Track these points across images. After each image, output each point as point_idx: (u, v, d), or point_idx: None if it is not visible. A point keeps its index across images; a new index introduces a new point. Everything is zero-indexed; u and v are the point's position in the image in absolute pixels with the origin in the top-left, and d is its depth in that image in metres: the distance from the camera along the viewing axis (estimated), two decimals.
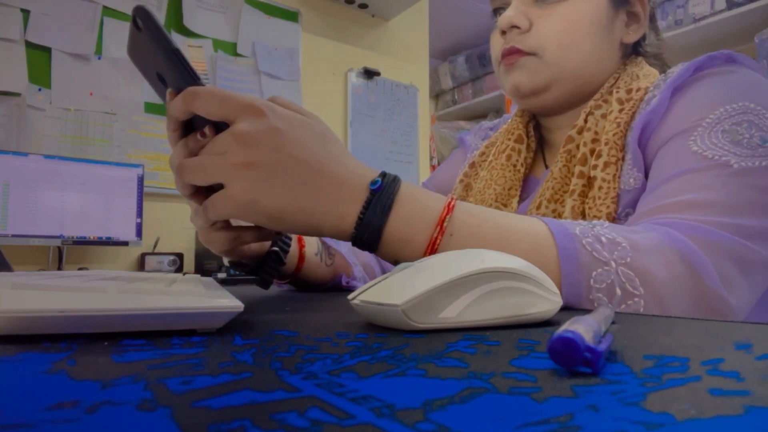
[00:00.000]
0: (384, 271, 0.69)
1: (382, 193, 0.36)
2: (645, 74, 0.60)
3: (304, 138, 0.35)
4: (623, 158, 0.53)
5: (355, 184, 0.36)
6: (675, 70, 0.56)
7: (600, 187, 0.52)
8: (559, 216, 0.55)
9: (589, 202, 0.53)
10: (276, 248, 0.49)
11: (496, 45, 0.63)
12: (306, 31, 2.32)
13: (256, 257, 0.48)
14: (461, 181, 0.72)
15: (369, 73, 2.48)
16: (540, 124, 0.69)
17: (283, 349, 0.19)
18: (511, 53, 0.60)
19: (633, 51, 0.64)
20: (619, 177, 0.53)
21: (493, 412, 0.11)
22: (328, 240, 0.61)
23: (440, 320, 0.25)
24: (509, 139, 0.67)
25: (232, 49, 2.10)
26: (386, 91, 2.56)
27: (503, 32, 0.60)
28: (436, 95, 3.76)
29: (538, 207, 0.56)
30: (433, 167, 3.41)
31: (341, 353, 0.18)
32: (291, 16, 2.28)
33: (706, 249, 0.38)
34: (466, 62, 3.48)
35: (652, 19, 0.66)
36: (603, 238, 0.36)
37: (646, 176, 0.51)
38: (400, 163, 2.57)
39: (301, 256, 0.55)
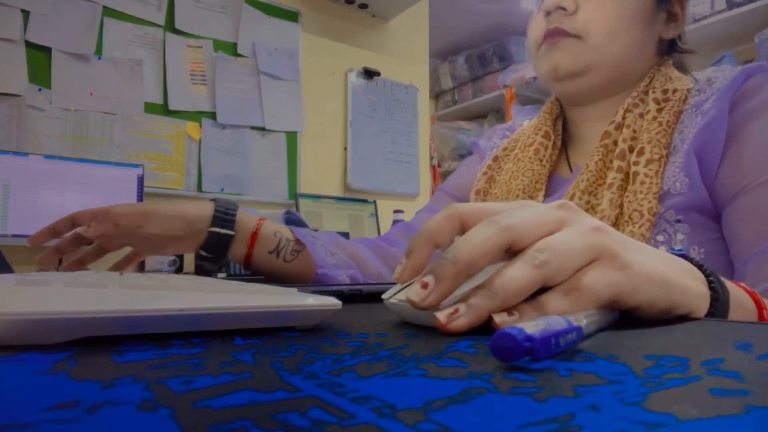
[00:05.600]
0: (381, 259, 0.70)
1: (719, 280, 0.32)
2: (677, 77, 0.61)
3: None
4: (667, 157, 0.54)
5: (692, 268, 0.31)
6: (718, 75, 0.57)
7: (642, 182, 0.53)
8: (593, 208, 0.55)
9: (629, 196, 0.53)
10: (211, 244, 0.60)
11: (538, 27, 0.64)
12: (306, 31, 2.32)
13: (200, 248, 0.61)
14: (485, 173, 0.73)
15: (369, 73, 2.48)
16: (567, 118, 0.70)
17: (283, 349, 0.19)
18: (555, 34, 0.60)
19: (668, 49, 0.65)
20: (661, 174, 0.53)
21: (494, 411, 0.11)
22: (301, 236, 0.65)
23: None
24: (536, 134, 0.68)
25: (232, 49, 2.10)
26: (386, 91, 2.56)
27: (548, 13, 0.61)
28: (436, 95, 3.76)
29: (572, 198, 0.57)
30: (433, 167, 3.41)
31: (341, 353, 0.18)
32: (291, 16, 2.28)
33: None
34: (466, 62, 3.48)
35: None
36: None
37: (705, 181, 0.51)
38: (400, 163, 2.57)
39: (248, 255, 0.63)
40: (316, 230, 0.72)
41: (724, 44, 2.27)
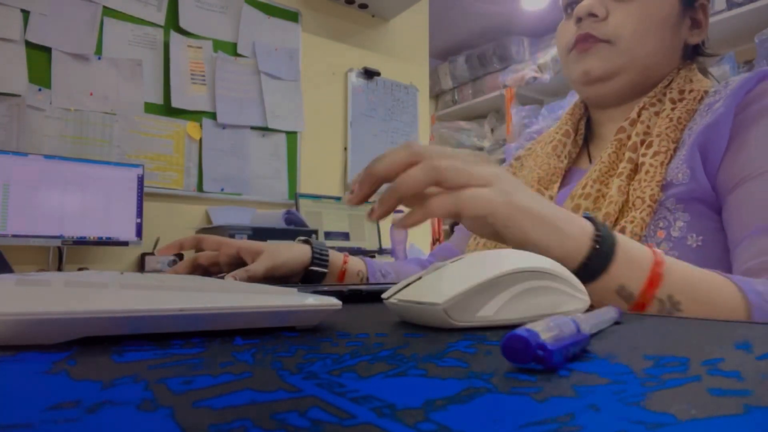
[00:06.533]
0: None
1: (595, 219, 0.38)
2: (698, 80, 0.63)
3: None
4: (674, 150, 0.56)
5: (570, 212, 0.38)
6: (736, 79, 0.59)
7: (647, 172, 0.55)
8: (603, 196, 0.58)
9: (634, 185, 0.56)
10: (313, 267, 0.67)
11: (567, 33, 0.66)
12: (306, 31, 2.32)
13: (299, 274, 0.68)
14: (506, 170, 0.75)
15: (369, 73, 2.48)
16: (591, 119, 0.73)
17: (283, 349, 0.19)
18: (587, 39, 0.63)
19: (692, 53, 0.68)
20: (666, 165, 0.55)
21: (494, 411, 0.11)
22: (371, 273, 0.73)
23: (479, 318, 0.25)
24: (557, 133, 0.71)
25: (232, 49, 2.10)
26: (386, 91, 2.56)
27: (579, 20, 0.63)
28: (436, 95, 3.75)
29: (584, 187, 0.60)
30: None
31: (341, 353, 0.18)
32: (291, 16, 2.28)
33: None
34: (466, 62, 3.47)
35: None
36: None
37: (708, 176, 0.53)
38: None
39: (341, 274, 0.72)
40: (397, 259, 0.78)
41: (724, 44, 2.27)
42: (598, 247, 0.35)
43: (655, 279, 0.36)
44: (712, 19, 2.17)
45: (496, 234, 0.37)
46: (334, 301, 0.25)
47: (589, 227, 0.37)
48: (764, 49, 2.00)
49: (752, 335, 0.21)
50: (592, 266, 0.36)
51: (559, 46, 0.69)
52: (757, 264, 0.46)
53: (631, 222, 0.53)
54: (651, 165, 0.55)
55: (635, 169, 0.58)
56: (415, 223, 0.34)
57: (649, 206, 0.53)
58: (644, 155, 0.57)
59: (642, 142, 0.59)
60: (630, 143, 0.59)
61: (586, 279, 0.36)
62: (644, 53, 0.62)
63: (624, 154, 0.59)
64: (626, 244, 0.37)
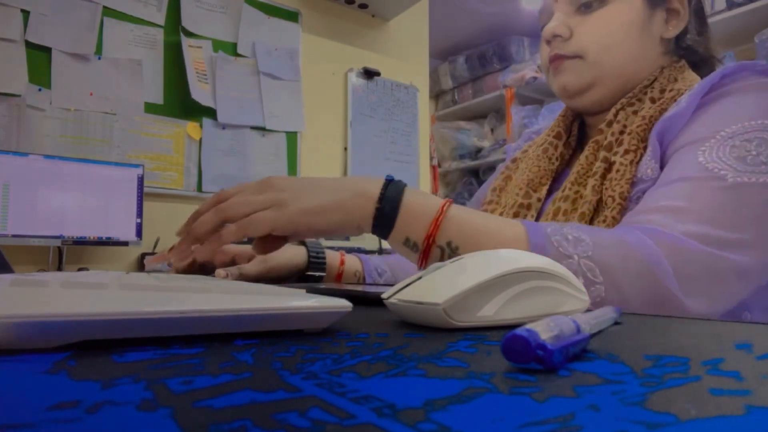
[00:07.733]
0: None
1: (394, 181, 0.44)
2: (683, 78, 0.63)
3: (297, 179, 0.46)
4: (644, 149, 0.57)
5: (369, 179, 0.45)
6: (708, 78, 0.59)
7: (617, 170, 0.57)
8: (581, 197, 0.60)
9: (606, 184, 0.57)
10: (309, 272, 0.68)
11: (544, 53, 0.69)
12: (306, 31, 2.32)
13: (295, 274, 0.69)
14: (502, 173, 0.78)
15: (369, 73, 2.48)
16: (584, 122, 0.74)
17: (283, 349, 0.19)
18: (557, 59, 0.65)
19: (676, 45, 0.67)
20: (636, 163, 0.57)
21: (494, 411, 0.11)
22: (368, 272, 0.74)
23: (478, 318, 0.25)
24: (549, 135, 0.73)
25: (232, 49, 2.10)
26: (386, 91, 2.55)
27: (548, 42, 0.66)
28: (436, 95, 3.75)
29: (563, 190, 0.61)
30: (433, 167, 3.41)
31: (342, 353, 0.18)
32: (291, 16, 2.28)
33: (670, 253, 0.41)
34: (466, 62, 3.47)
35: (700, 13, 0.70)
36: (569, 236, 0.42)
37: (662, 162, 0.55)
38: (400, 163, 2.57)
39: (338, 276, 0.73)
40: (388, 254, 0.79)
41: (724, 44, 2.27)
42: (379, 207, 0.42)
43: (433, 228, 0.42)
44: (712, 20, 2.17)
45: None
46: (344, 303, 0.24)
47: (375, 193, 0.43)
48: (764, 49, 2.00)
49: (752, 335, 0.21)
50: (381, 225, 0.43)
51: (542, 65, 0.72)
52: (632, 217, 0.48)
53: (604, 221, 0.54)
54: (621, 164, 0.56)
55: (610, 168, 0.59)
56: (209, 252, 0.42)
57: (619, 204, 0.54)
58: (615, 154, 0.58)
59: (617, 141, 0.60)
60: (605, 143, 0.60)
61: (383, 236, 0.43)
62: (615, 61, 0.63)
63: (599, 153, 0.60)
64: (413, 200, 0.43)
